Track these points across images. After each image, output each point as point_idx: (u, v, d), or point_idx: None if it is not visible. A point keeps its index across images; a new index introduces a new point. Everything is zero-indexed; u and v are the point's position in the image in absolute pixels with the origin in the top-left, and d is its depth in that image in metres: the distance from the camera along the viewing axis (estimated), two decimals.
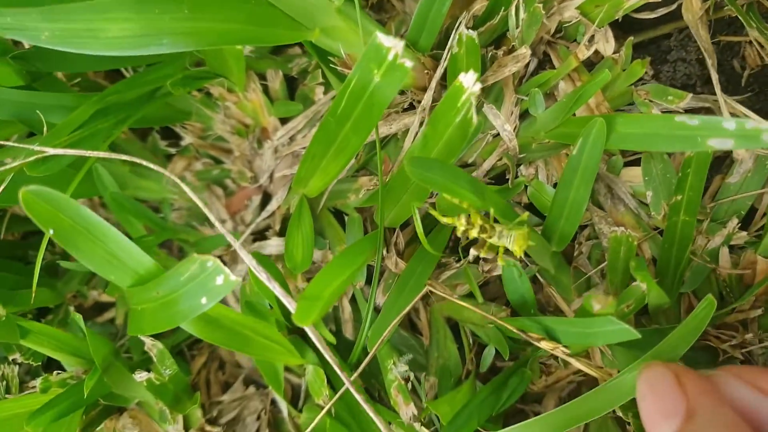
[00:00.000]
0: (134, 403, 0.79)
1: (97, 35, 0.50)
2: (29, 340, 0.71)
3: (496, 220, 0.56)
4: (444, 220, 0.56)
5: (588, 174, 0.59)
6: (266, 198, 0.79)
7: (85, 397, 0.70)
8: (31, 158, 0.60)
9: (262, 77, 0.75)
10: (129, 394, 0.76)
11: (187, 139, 0.80)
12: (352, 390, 0.53)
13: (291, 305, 0.49)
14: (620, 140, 0.56)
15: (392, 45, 0.49)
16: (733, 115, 0.62)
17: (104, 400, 0.76)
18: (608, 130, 0.56)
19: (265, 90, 0.75)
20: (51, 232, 0.52)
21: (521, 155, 0.65)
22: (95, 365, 0.69)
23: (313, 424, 0.60)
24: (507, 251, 0.63)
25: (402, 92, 0.69)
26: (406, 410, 0.62)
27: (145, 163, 0.56)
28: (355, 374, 0.57)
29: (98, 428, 0.77)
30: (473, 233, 0.54)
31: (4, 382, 0.81)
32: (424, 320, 0.74)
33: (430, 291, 0.64)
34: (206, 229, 0.82)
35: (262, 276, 0.50)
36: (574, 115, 0.62)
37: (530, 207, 0.69)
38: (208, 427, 0.77)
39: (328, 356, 0.52)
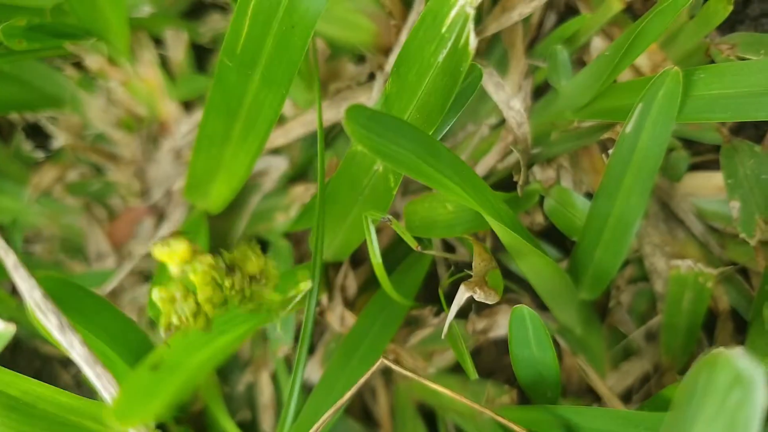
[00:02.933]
0: None
1: None
2: None
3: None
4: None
5: (648, 167, 0.37)
6: (162, 221, 0.55)
7: None
8: None
9: (160, 45, 0.53)
10: None
11: (60, 139, 0.57)
12: None
13: (102, 382, 0.25)
14: (703, 108, 0.35)
15: None
16: None
17: None
18: (682, 92, 0.34)
19: (165, 63, 0.53)
20: None
21: (534, 150, 0.43)
22: None
23: None
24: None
25: (359, 59, 0.47)
26: None
27: None
28: None
29: None
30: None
31: None
32: (384, 405, 0.50)
33: (389, 365, 0.40)
34: (80, 265, 0.57)
35: (50, 321, 0.25)
36: (615, 82, 0.40)
37: (548, 234, 0.46)
38: None
39: None
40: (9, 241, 0.56)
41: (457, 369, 0.46)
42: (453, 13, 0.30)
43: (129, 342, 0.34)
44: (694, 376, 0.21)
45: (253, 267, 0.30)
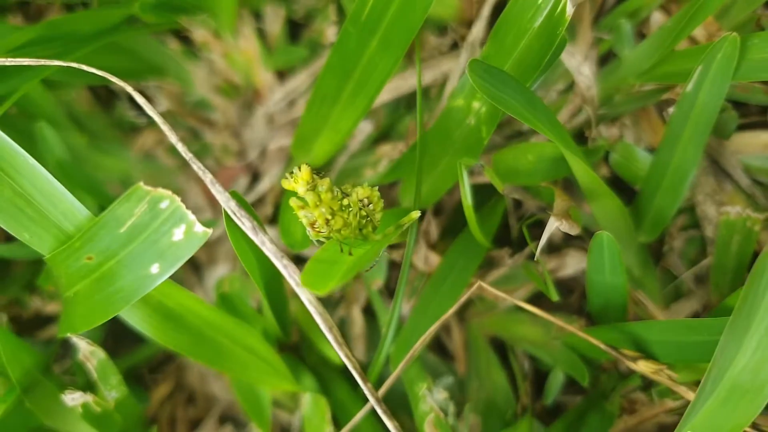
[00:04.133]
0: None
1: None
2: None
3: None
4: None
5: (704, 121, 0.43)
6: (256, 179, 0.62)
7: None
8: None
9: (258, 20, 0.59)
10: (64, 430, 0.57)
11: (162, 105, 0.63)
12: (380, 411, 0.34)
13: (288, 270, 0.32)
14: (756, 68, 0.40)
15: None
16: None
17: None
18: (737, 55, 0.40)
19: (261, 37, 0.59)
20: None
21: (600, 111, 0.49)
22: (12, 383, 0.50)
23: None
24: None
25: (441, 30, 0.54)
26: None
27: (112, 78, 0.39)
28: (382, 390, 0.39)
29: None
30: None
31: None
32: (458, 340, 0.56)
33: (482, 287, 0.46)
34: None
35: (245, 225, 0.32)
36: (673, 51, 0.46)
37: (612, 183, 0.52)
38: None
39: (344, 356, 0.34)
40: None
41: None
42: None
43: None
44: (762, 260, 0.27)
45: (362, 193, 0.36)
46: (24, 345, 0.51)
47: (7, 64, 0.38)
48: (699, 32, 0.47)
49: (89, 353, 0.47)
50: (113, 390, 0.51)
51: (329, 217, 0.33)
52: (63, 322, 0.44)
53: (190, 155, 0.33)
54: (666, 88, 0.47)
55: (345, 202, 0.35)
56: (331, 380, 0.54)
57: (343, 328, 0.56)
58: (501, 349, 0.55)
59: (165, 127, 0.34)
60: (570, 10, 0.36)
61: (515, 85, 0.36)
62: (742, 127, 0.50)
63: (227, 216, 0.34)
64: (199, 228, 0.32)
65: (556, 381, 0.48)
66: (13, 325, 0.68)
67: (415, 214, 0.39)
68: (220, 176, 0.64)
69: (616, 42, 0.48)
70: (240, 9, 0.57)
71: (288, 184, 0.34)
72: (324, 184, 0.34)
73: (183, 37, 0.61)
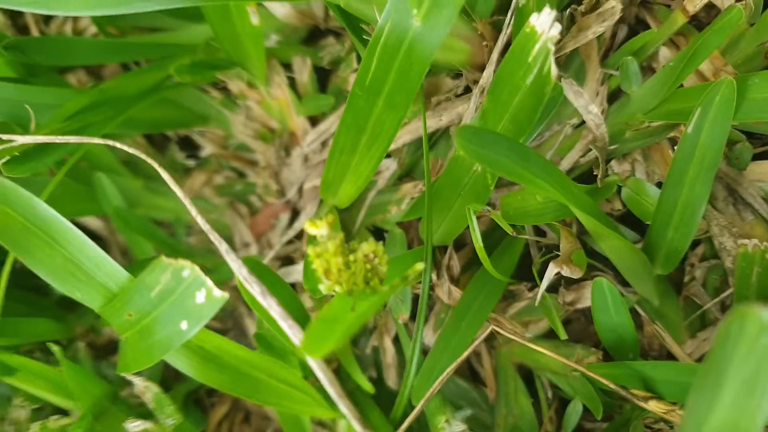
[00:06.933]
0: None
1: None
2: (18, 378, 0.59)
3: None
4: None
5: (708, 161, 0.43)
6: (296, 216, 0.66)
7: None
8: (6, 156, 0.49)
9: (288, 69, 0.63)
10: None
11: (207, 149, 0.69)
12: None
13: (293, 331, 0.35)
14: (757, 108, 0.41)
15: None
16: None
17: None
18: (738, 96, 0.41)
19: (292, 84, 0.63)
20: None
21: (611, 147, 0.50)
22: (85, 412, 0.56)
23: None
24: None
25: (456, 75, 0.56)
26: None
27: (137, 153, 0.45)
28: (401, 429, 0.42)
29: None
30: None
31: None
32: (488, 367, 0.58)
33: (495, 330, 0.48)
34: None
35: (254, 289, 0.36)
36: (681, 87, 0.47)
37: (626, 218, 0.53)
38: None
39: (345, 408, 0.37)
40: (174, 235, 0.69)
41: (549, 335, 0.54)
42: (537, 47, 0.38)
43: (293, 308, 0.45)
44: (727, 324, 0.28)
45: (367, 248, 0.39)
46: (92, 377, 0.57)
47: (56, 141, 0.43)
48: (706, 67, 0.47)
49: (144, 388, 0.53)
50: (170, 418, 0.56)
51: (343, 267, 0.36)
52: (120, 362, 0.50)
53: (208, 227, 0.37)
54: (675, 125, 0.48)
55: (351, 258, 0.38)
56: (365, 405, 0.57)
57: (376, 357, 0.59)
58: (529, 376, 0.57)
59: (192, 209, 0.38)
60: (554, 71, 0.37)
61: (506, 143, 0.38)
62: (758, 156, 0.50)
63: (239, 281, 0.38)
64: (217, 292, 0.36)
65: (575, 411, 0.50)
66: (90, 350, 0.75)
67: (419, 266, 0.41)
68: (265, 213, 0.68)
69: (623, 80, 0.49)
70: (269, 60, 0.61)
71: (312, 224, 0.37)
72: (338, 237, 0.37)
73: (222, 88, 0.66)
